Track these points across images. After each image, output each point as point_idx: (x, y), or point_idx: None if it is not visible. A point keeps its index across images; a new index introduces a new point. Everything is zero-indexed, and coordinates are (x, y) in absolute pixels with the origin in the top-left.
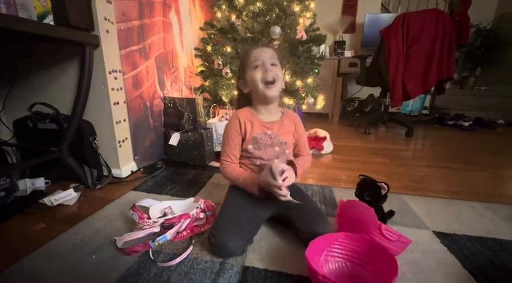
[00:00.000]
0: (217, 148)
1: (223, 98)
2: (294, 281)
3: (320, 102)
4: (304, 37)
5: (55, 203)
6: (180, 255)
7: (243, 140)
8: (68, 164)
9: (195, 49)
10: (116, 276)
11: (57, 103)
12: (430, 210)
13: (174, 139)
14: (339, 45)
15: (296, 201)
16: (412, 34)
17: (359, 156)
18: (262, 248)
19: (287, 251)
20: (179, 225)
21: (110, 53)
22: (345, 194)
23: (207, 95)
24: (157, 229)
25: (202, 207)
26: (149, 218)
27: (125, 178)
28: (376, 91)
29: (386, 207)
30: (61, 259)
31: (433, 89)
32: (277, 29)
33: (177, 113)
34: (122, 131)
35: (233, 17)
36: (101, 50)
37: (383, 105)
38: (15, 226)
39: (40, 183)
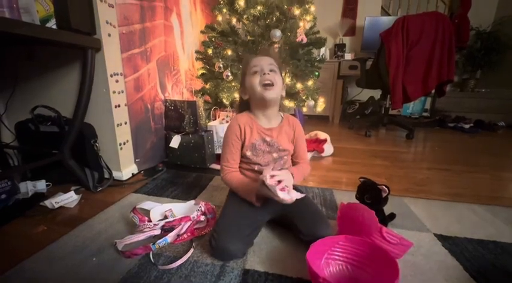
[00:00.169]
0: (218, 151)
1: (224, 101)
2: None
3: (320, 105)
4: (305, 40)
5: (56, 206)
6: (181, 257)
7: (242, 146)
8: (69, 167)
9: (196, 52)
10: (116, 278)
11: (58, 106)
12: (431, 213)
13: (175, 141)
14: (339, 48)
15: (300, 195)
16: (412, 37)
17: (359, 159)
18: (262, 251)
19: (287, 254)
20: (180, 227)
21: (112, 56)
22: (346, 197)
23: (207, 98)
24: (157, 232)
25: (202, 209)
26: (150, 221)
27: (125, 180)
28: (377, 93)
29: (387, 209)
30: (62, 262)
31: (433, 91)
32: (277, 32)
33: (178, 116)
34: (123, 134)
35: (234, 20)
36: (103, 53)
37: (383, 107)
38: (17, 228)
39: (41, 185)
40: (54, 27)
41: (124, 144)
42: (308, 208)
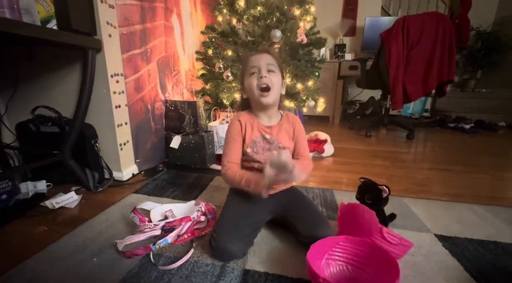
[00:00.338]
0: (218, 151)
1: (224, 101)
2: None
3: (321, 105)
4: (305, 40)
5: (56, 206)
6: (181, 258)
7: (243, 142)
8: (69, 167)
9: (196, 52)
10: (116, 278)
11: (59, 106)
12: (431, 213)
13: (175, 142)
14: (340, 48)
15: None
16: (412, 37)
17: (360, 159)
18: (262, 251)
19: (287, 254)
20: (180, 228)
21: (112, 56)
22: (346, 197)
23: (208, 98)
24: (158, 232)
25: (203, 210)
26: (150, 221)
27: (126, 181)
28: (377, 94)
29: (387, 210)
30: (62, 262)
31: (433, 91)
32: (277, 33)
33: (178, 116)
34: (124, 134)
35: (234, 21)
36: (103, 54)
37: (384, 107)
38: (17, 228)
39: (42, 186)
40: (55, 27)
41: (124, 144)
42: (308, 209)
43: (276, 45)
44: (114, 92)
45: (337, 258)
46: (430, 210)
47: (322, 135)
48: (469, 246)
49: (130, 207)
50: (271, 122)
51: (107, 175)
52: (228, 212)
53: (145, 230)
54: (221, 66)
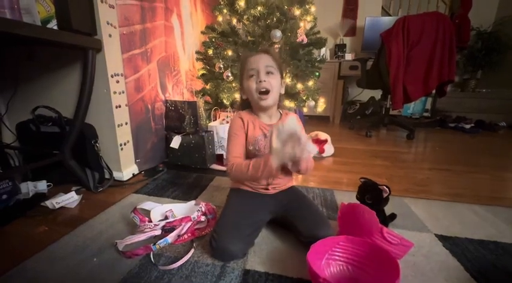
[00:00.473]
0: (218, 151)
1: (224, 101)
2: None
3: (321, 105)
4: (305, 40)
5: (57, 206)
6: (181, 258)
7: (245, 139)
8: (70, 167)
9: (197, 52)
10: (117, 278)
11: (59, 106)
12: (432, 213)
13: (176, 142)
14: (340, 48)
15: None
16: (412, 37)
17: (360, 159)
18: (263, 251)
19: (288, 254)
20: (180, 228)
21: (112, 56)
22: (346, 197)
23: (208, 98)
24: (158, 232)
25: (203, 210)
26: (150, 221)
27: (126, 181)
28: (377, 94)
29: (387, 210)
30: (63, 262)
31: (434, 91)
32: (278, 33)
33: (178, 116)
34: (124, 134)
35: (234, 21)
36: (104, 54)
37: (384, 107)
38: (18, 229)
39: (42, 186)
40: (55, 28)
41: (124, 144)
42: (309, 208)
43: (276, 45)
44: (115, 92)
45: (337, 258)
46: (431, 210)
47: (323, 135)
48: (469, 246)
49: (131, 207)
50: (271, 121)
51: (107, 175)
52: (228, 212)
53: (146, 230)
54: (221, 66)
